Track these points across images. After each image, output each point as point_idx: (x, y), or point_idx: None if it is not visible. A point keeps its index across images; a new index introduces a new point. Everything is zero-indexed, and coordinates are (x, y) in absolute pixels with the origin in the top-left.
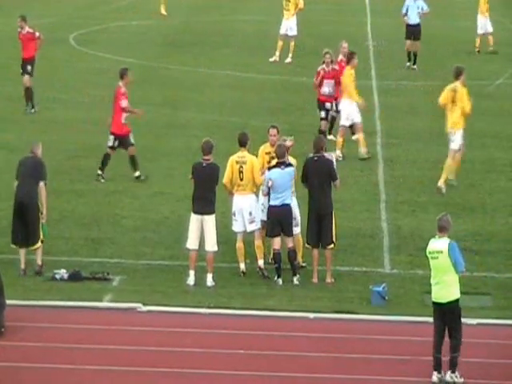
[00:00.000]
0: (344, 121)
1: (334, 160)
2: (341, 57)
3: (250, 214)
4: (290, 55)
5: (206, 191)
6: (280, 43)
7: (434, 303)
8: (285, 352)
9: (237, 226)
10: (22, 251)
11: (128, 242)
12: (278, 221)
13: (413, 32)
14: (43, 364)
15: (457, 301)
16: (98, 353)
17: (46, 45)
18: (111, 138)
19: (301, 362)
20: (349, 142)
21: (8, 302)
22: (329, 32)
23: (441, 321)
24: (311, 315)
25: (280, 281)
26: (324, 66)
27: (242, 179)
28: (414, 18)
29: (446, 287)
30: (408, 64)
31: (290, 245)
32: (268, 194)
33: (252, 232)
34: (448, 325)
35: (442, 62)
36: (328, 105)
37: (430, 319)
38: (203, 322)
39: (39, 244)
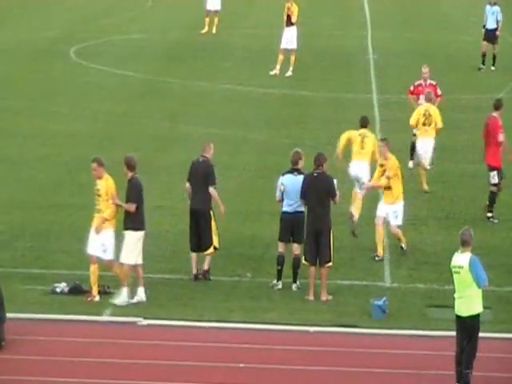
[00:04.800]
0: None
1: (335, 180)
2: (421, 81)
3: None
4: (291, 69)
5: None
6: (281, 57)
7: (456, 316)
8: (285, 366)
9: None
10: (194, 256)
11: None
12: (289, 227)
13: (489, 36)
14: (44, 377)
15: (477, 316)
16: (98, 367)
17: (46, 58)
18: (493, 173)
19: (301, 376)
20: (346, 156)
21: (8, 315)
22: (329, 45)
23: (461, 334)
24: (311, 329)
25: (280, 284)
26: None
27: (363, 148)
28: (491, 23)
29: (467, 301)
30: (482, 66)
31: (297, 252)
32: (282, 200)
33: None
34: (465, 338)
35: (443, 76)
36: None
37: (431, 333)
38: (203, 336)
39: (211, 250)
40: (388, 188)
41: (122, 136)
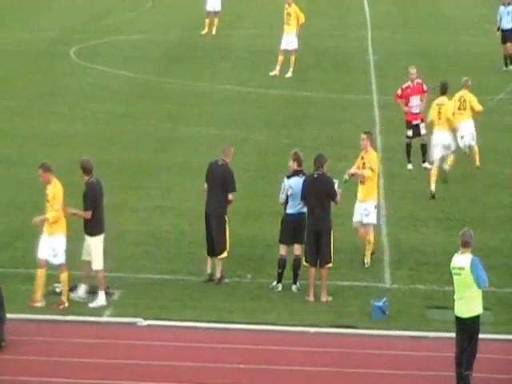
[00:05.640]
0: None
1: (337, 183)
2: (409, 83)
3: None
4: (291, 69)
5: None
6: (281, 57)
7: (456, 317)
8: (285, 367)
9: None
10: (208, 259)
11: (128, 256)
12: (292, 229)
13: (506, 36)
14: (43, 378)
15: (477, 317)
16: (98, 367)
17: (46, 59)
18: None
19: (301, 377)
20: (345, 157)
21: (8, 315)
22: (329, 46)
23: (461, 335)
24: (311, 330)
25: (280, 286)
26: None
27: (440, 118)
28: (506, 24)
29: (467, 303)
30: (505, 68)
31: (297, 253)
32: (286, 203)
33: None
34: (465, 339)
35: (443, 77)
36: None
37: (431, 334)
38: (204, 337)
39: (225, 254)
40: (362, 182)
41: (122, 136)
